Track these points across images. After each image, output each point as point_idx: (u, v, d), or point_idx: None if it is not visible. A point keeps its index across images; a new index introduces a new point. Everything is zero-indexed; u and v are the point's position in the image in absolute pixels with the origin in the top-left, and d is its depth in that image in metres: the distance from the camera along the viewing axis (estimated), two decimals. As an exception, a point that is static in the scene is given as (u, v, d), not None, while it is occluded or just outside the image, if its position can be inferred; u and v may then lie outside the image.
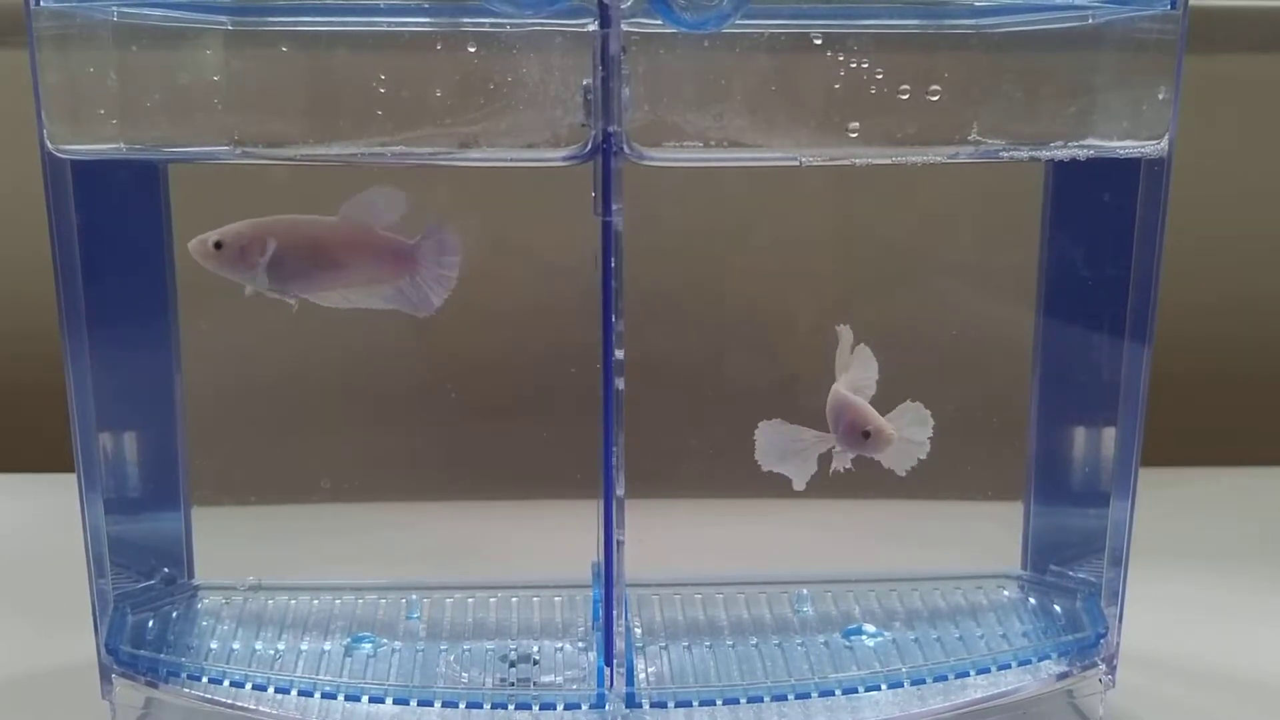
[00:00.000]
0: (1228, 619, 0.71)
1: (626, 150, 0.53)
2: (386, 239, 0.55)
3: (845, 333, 0.57)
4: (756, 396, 0.63)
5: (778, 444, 0.56)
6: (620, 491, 0.55)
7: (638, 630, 0.62)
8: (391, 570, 0.65)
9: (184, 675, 0.58)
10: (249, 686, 0.57)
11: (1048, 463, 0.64)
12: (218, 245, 0.54)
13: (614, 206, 0.53)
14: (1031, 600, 0.65)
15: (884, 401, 0.57)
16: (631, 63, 0.52)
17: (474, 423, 0.63)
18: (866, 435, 0.55)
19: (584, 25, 0.52)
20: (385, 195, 0.55)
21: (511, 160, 0.54)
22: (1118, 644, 0.61)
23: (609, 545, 0.56)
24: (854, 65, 0.54)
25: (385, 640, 0.61)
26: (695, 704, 0.56)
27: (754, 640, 0.61)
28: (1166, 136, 0.56)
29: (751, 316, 0.64)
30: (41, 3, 0.53)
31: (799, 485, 0.57)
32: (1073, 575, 0.63)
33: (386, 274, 0.55)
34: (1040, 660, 0.60)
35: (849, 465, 0.56)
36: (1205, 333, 0.97)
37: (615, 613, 0.56)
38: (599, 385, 0.54)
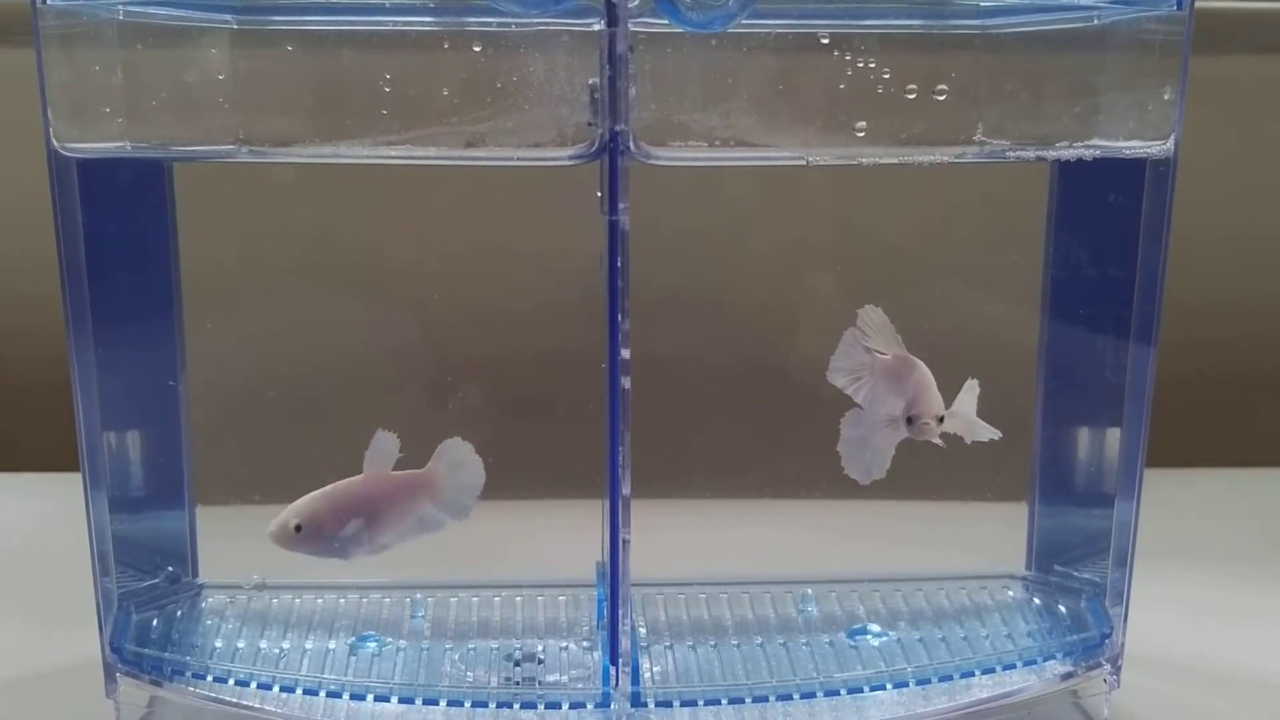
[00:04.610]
0: (1232, 620, 0.71)
1: (633, 149, 0.53)
2: (403, 476, 0.56)
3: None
4: (763, 396, 0.63)
5: (860, 432, 0.56)
6: (626, 491, 0.55)
7: (642, 630, 0.62)
8: (396, 569, 0.65)
9: (188, 674, 0.58)
10: (254, 685, 0.57)
11: (1053, 463, 0.64)
12: (298, 528, 0.55)
13: (620, 205, 0.53)
14: (1036, 600, 0.65)
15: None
16: (638, 62, 0.52)
17: (479, 422, 0.63)
18: (910, 420, 0.55)
19: (590, 25, 0.52)
20: (383, 440, 0.56)
21: (518, 159, 0.54)
22: (1122, 644, 0.61)
23: (614, 544, 0.56)
24: (860, 65, 0.54)
25: (390, 639, 0.61)
26: (700, 703, 0.56)
27: (759, 640, 0.61)
28: (1172, 137, 0.56)
29: (758, 315, 0.64)
30: (48, 1, 0.53)
31: (879, 473, 0.57)
32: (1077, 576, 0.63)
33: (410, 509, 0.56)
34: (1045, 661, 0.60)
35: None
36: (1210, 333, 0.97)
37: (620, 612, 0.56)
38: (605, 384, 0.54)
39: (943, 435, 0.56)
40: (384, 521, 0.56)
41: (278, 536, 0.55)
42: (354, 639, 0.61)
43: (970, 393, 0.57)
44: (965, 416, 0.57)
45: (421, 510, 0.56)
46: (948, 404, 0.56)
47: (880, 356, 0.56)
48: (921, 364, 0.56)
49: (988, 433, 0.57)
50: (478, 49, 0.53)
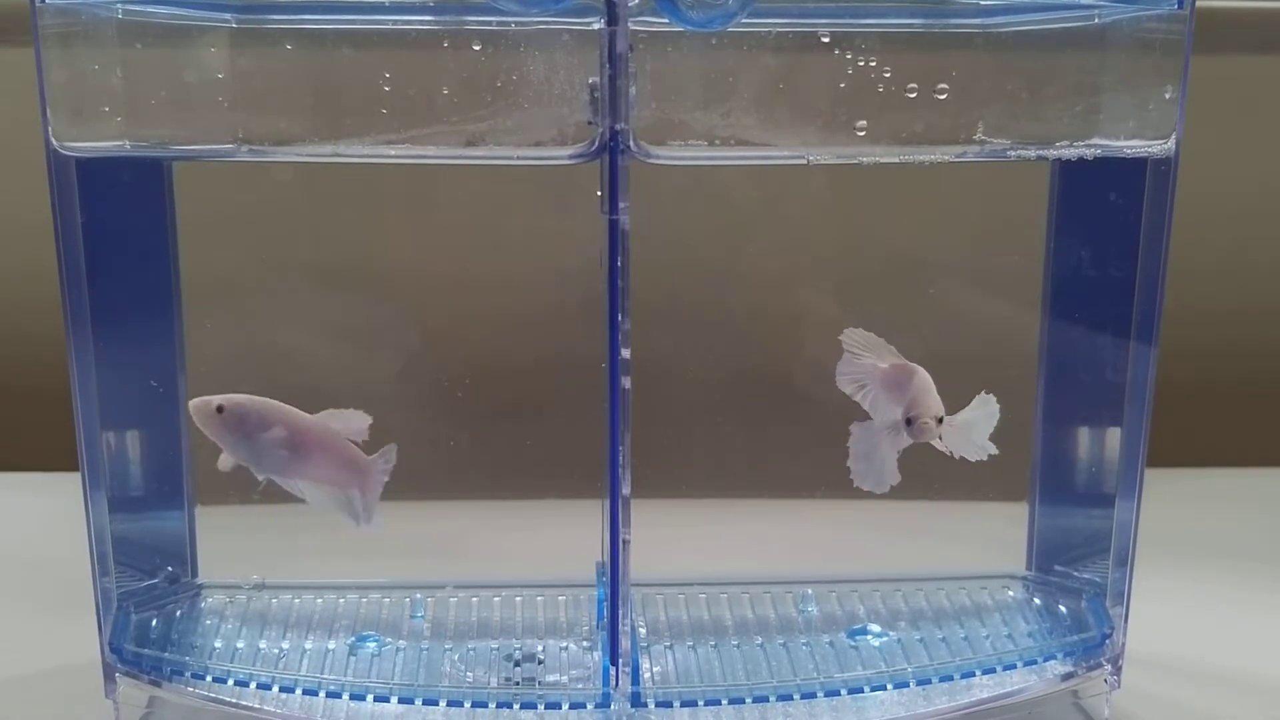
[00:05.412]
0: (1233, 619, 0.71)
1: (633, 148, 0.53)
2: (345, 447, 0.56)
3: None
4: (763, 396, 0.63)
5: (867, 444, 0.56)
6: (626, 490, 0.55)
7: (642, 630, 0.62)
8: (396, 569, 0.65)
9: (188, 674, 0.58)
10: (253, 685, 0.57)
11: (1053, 463, 0.64)
12: (219, 409, 0.55)
13: (621, 205, 0.53)
14: (1036, 600, 0.65)
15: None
16: (638, 61, 0.52)
17: (480, 422, 0.62)
18: (909, 421, 0.55)
19: (590, 23, 0.52)
20: (354, 417, 0.56)
21: (518, 158, 0.54)
22: (1123, 644, 0.61)
23: (614, 544, 0.56)
24: (861, 64, 0.54)
25: (390, 639, 0.61)
26: (700, 704, 0.56)
27: (759, 640, 0.61)
28: (1173, 136, 0.56)
29: (758, 315, 0.64)
30: (47, 0, 0.52)
31: (892, 479, 0.57)
32: (1078, 575, 0.63)
33: (339, 478, 0.57)
34: (1045, 661, 0.60)
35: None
36: (1211, 332, 0.97)
37: (620, 612, 0.56)
38: (605, 384, 0.54)
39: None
40: (307, 463, 0.56)
41: (198, 409, 0.55)
42: (354, 639, 0.61)
43: (982, 412, 0.57)
44: (963, 428, 0.56)
45: (350, 491, 0.57)
46: (952, 413, 0.56)
47: (879, 365, 0.56)
48: (921, 369, 0.56)
49: (984, 450, 0.57)
50: (477, 48, 0.53)
